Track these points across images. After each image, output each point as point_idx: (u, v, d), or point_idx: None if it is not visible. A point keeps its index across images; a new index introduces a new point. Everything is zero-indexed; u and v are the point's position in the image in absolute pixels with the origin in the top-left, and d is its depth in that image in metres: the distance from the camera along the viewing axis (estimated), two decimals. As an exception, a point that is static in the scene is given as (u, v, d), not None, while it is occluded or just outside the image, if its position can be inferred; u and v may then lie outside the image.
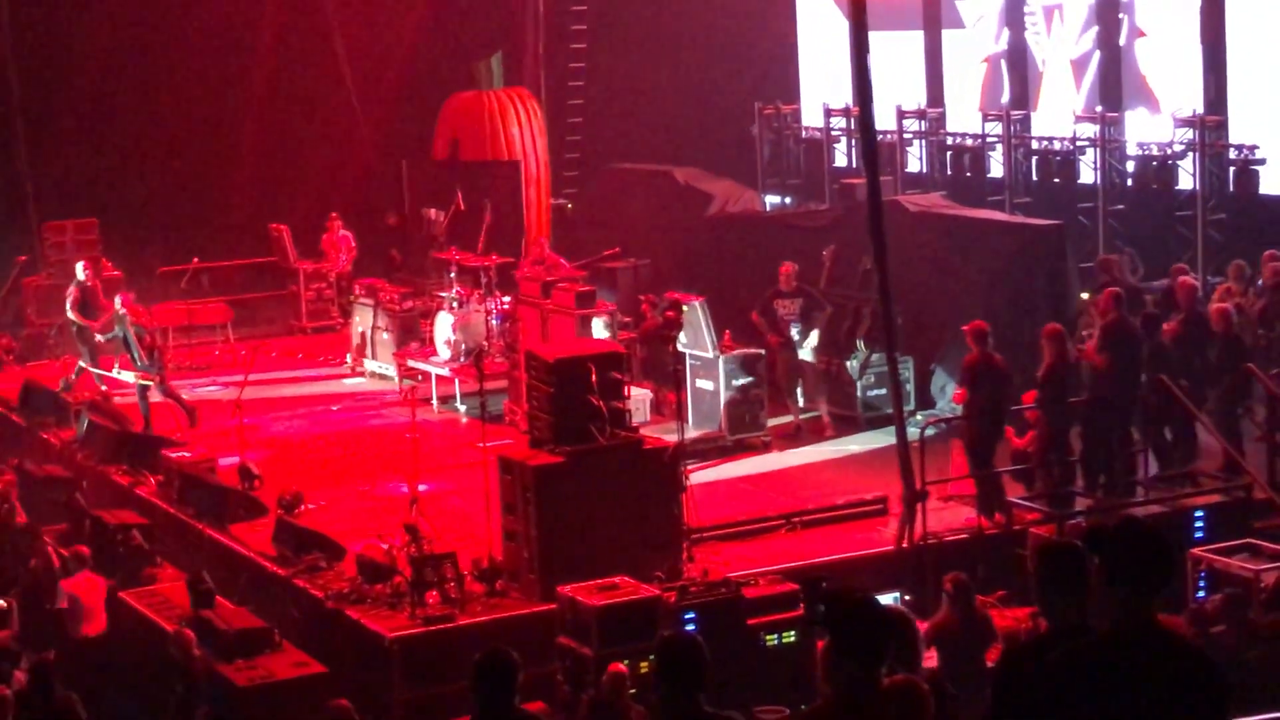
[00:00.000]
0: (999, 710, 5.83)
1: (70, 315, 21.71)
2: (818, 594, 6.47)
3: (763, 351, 19.49)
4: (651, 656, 12.13)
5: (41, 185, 27.75)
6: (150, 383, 20.59)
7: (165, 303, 24.86)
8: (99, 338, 21.48)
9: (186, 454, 18.52)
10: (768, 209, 27.63)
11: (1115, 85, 23.74)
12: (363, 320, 23.51)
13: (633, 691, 12.09)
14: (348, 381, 23.44)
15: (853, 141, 26.94)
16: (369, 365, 23.37)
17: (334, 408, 22.06)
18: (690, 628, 12.88)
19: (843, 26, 24.53)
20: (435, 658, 13.51)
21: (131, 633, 15.38)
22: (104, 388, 21.59)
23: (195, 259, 25.24)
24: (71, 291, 21.73)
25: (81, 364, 21.74)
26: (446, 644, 13.55)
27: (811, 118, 28.53)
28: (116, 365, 21.12)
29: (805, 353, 19.53)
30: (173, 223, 28.20)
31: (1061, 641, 5.65)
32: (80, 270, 21.98)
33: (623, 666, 11.88)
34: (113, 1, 28.83)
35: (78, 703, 12.41)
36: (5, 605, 15.12)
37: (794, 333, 19.55)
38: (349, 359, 23.83)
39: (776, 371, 19.72)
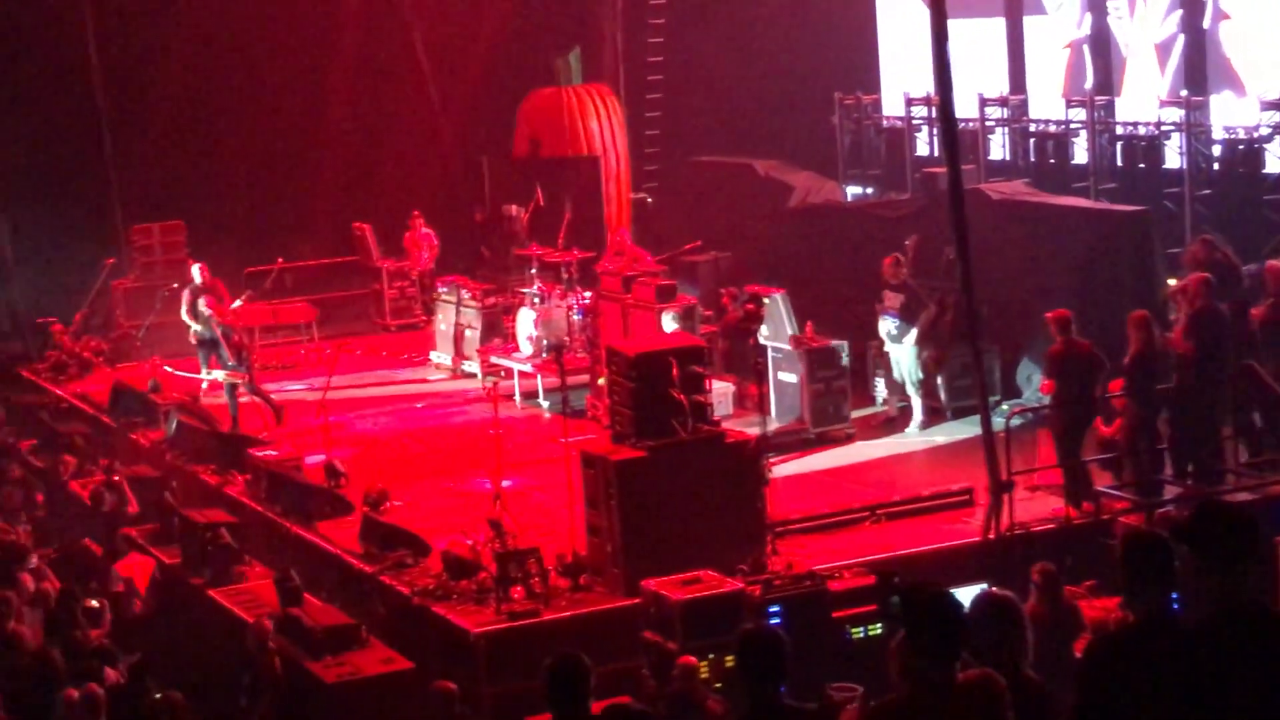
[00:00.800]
0: (1086, 701, 5.75)
1: (185, 319, 21.61)
2: (891, 589, 6.43)
3: (845, 343, 19.37)
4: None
5: (128, 188, 28.02)
6: (239, 381, 20.75)
7: (250, 303, 25.04)
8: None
9: (273, 453, 18.67)
10: (849, 200, 27.51)
11: (1200, 69, 23.46)
12: (446, 318, 23.59)
13: (718, 686, 12.08)
14: (431, 378, 23.53)
15: (934, 130, 26.78)
16: (438, 359, 23.52)
17: (418, 405, 22.16)
18: (775, 621, 12.84)
19: (923, 15, 24.30)
20: (521, 653, 13.49)
21: (179, 613, 15.65)
22: (206, 386, 21.69)
23: (280, 259, 25.41)
24: (186, 295, 21.68)
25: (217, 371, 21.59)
26: (532, 639, 13.56)
27: (892, 107, 28.38)
28: (205, 364, 21.29)
29: (902, 348, 19.31)
30: (257, 223, 28.43)
31: (1148, 632, 5.57)
32: (197, 273, 21.83)
33: (692, 658, 11.87)
34: (196, 6, 29.09)
35: (181, 703, 12.52)
36: (98, 605, 15.32)
37: (891, 325, 19.36)
38: (445, 358, 23.67)
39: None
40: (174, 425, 20.29)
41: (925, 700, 5.74)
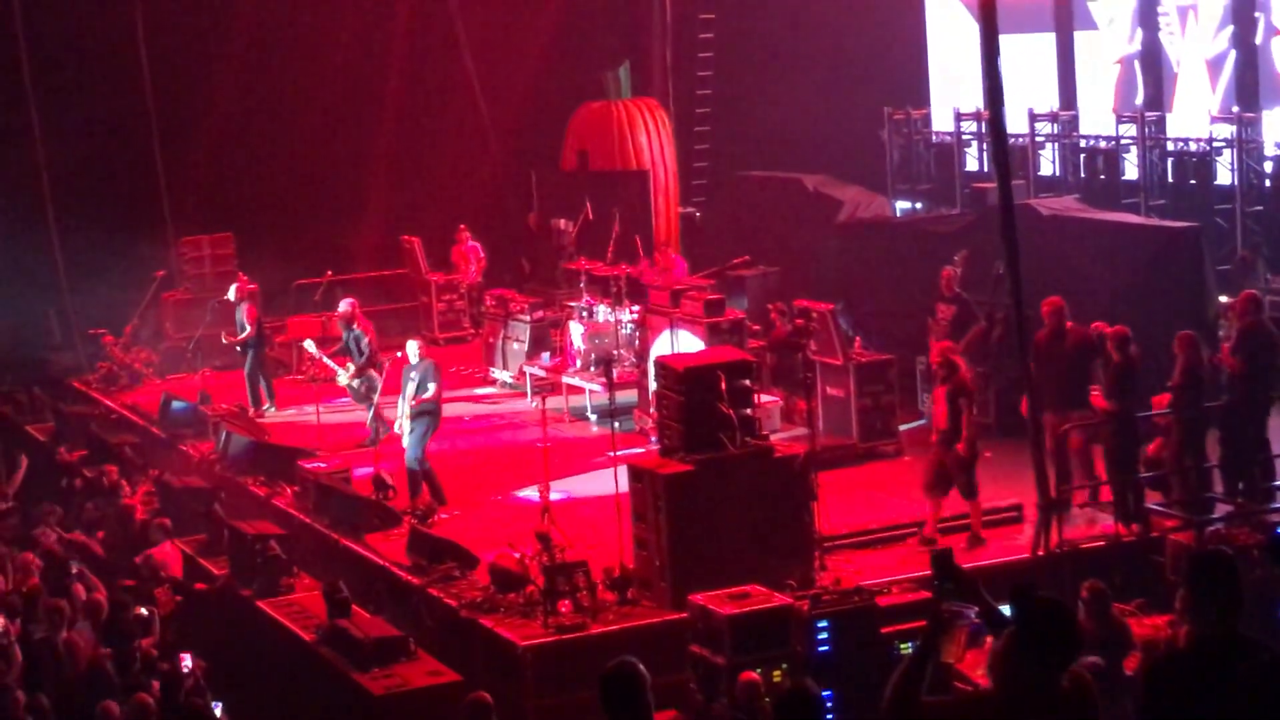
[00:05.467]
0: (1147, 717, 5.73)
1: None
2: (949, 569, 6.40)
3: (893, 358, 19.32)
4: (784, 665, 12.15)
5: (178, 201, 28.19)
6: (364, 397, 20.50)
7: (299, 315, 25.14)
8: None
9: (322, 465, 18.71)
10: (898, 215, 27.48)
11: (1252, 85, 23.37)
12: (509, 332, 23.37)
13: (765, 699, 12.04)
14: (479, 391, 23.50)
15: (984, 145, 26.75)
16: (498, 375, 23.43)
17: (465, 418, 22.17)
18: (823, 637, 12.80)
19: (973, 30, 24.36)
20: (568, 666, 13.55)
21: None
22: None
23: (329, 272, 25.47)
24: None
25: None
26: (579, 653, 13.58)
27: (942, 122, 28.35)
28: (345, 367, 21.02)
29: None
30: (306, 236, 28.53)
31: (1209, 649, 5.55)
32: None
33: (756, 675, 11.83)
34: (247, 21, 29.28)
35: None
36: (146, 614, 15.38)
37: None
38: (506, 374, 23.45)
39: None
40: (223, 437, 20.38)
41: (1027, 703, 5.74)
